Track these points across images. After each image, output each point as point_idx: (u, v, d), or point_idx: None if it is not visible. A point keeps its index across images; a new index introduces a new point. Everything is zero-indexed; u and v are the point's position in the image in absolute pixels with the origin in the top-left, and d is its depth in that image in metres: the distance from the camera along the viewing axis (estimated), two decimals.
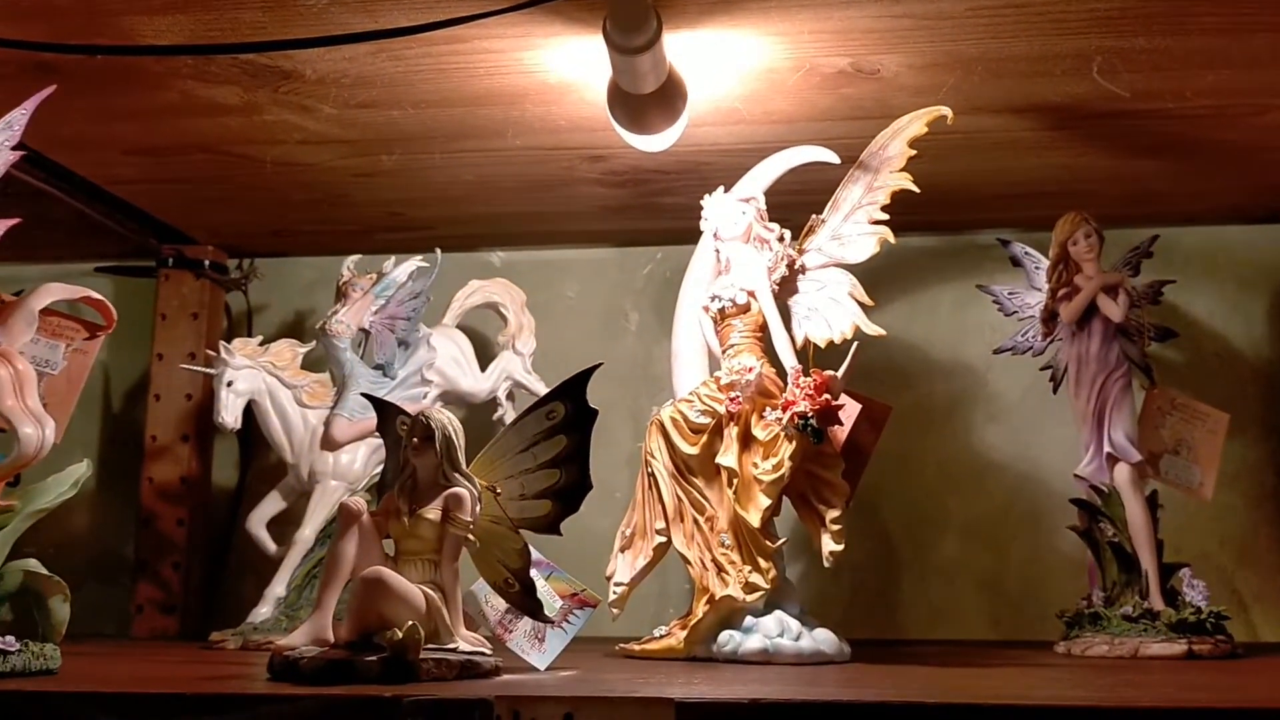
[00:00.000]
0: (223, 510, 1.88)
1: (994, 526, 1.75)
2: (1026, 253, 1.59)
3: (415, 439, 1.08)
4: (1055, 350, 1.54)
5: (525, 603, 1.08)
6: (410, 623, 0.96)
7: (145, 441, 1.84)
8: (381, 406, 1.18)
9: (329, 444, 1.52)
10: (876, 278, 1.36)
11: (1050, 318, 1.49)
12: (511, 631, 1.11)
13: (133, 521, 1.85)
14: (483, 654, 1.03)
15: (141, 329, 1.90)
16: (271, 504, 1.59)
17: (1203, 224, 1.76)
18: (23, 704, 0.86)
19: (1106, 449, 1.42)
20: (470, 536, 1.06)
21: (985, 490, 1.77)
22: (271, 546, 1.56)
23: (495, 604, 1.12)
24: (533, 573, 1.09)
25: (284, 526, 1.58)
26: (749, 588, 1.24)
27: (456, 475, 1.07)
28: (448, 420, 1.09)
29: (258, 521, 1.57)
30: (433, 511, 1.06)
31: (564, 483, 1.12)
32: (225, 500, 1.89)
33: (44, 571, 1.05)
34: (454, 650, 1.01)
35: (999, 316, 1.63)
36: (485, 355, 1.73)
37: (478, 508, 1.07)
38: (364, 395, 1.27)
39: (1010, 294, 1.60)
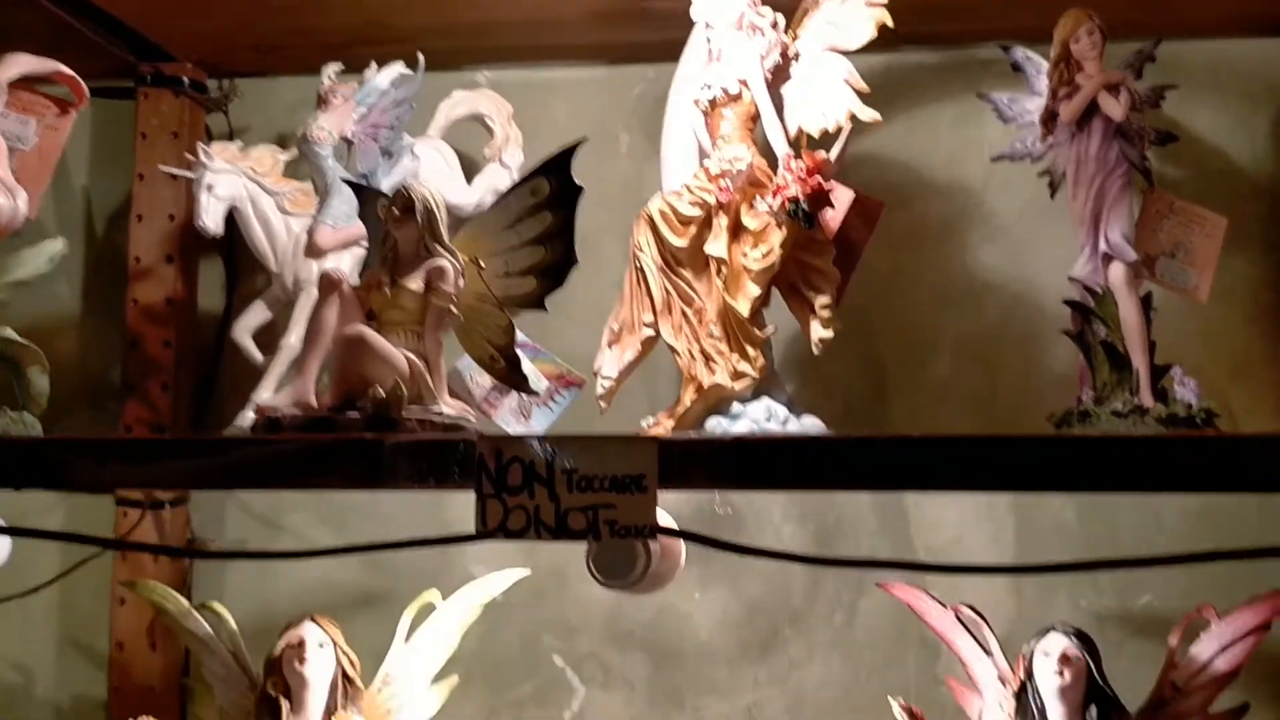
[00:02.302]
0: (209, 332, 1.86)
1: (987, 346, 1.74)
2: (1028, 57, 1.54)
3: (396, 210, 1.06)
4: (1053, 156, 1.50)
5: (511, 377, 1.07)
6: (394, 380, 0.95)
7: (129, 264, 1.82)
8: (361, 192, 1.16)
9: (313, 251, 1.49)
10: (875, 95, 1.31)
11: (1050, 118, 1.45)
12: (497, 407, 1.11)
13: (119, 345, 1.83)
14: (467, 420, 1.02)
15: (122, 153, 1.85)
16: (257, 314, 1.57)
17: (1207, 37, 1.71)
18: (7, 452, 0.86)
19: (1102, 248, 1.39)
20: (453, 309, 1.05)
21: (979, 310, 1.74)
22: (258, 356, 1.55)
23: (481, 381, 1.11)
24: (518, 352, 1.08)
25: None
26: (737, 375, 1.23)
27: (438, 247, 1.05)
28: (429, 193, 1.07)
29: (243, 330, 1.56)
30: (415, 282, 1.04)
31: (549, 259, 1.10)
32: (211, 324, 1.87)
33: (20, 340, 1.03)
34: (438, 414, 1.00)
35: (999, 132, 1.58)
36: (471, 174, 1.69)
37: (461, 280, 1.06)
38: (345, 181, 1.24)
39: (1010, 100, 1.56)
